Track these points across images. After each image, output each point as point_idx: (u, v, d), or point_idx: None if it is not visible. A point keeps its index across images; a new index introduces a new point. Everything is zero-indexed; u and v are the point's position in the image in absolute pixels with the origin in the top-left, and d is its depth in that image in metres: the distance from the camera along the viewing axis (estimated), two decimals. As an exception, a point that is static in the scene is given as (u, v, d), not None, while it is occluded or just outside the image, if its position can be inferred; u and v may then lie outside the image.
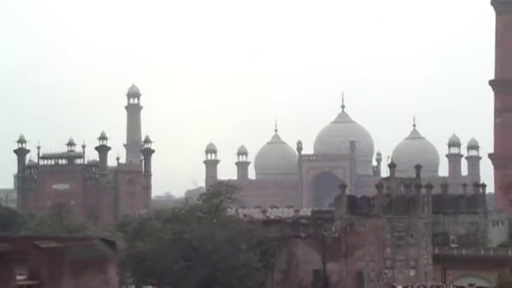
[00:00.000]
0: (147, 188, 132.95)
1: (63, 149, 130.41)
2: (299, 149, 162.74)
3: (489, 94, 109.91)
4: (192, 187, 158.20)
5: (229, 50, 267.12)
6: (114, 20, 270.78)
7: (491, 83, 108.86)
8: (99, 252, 28.22)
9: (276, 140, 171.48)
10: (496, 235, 74.54)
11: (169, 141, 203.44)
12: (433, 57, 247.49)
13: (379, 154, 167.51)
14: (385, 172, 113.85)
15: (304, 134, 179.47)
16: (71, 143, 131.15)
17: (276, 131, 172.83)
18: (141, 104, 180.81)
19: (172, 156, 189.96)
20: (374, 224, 61.53)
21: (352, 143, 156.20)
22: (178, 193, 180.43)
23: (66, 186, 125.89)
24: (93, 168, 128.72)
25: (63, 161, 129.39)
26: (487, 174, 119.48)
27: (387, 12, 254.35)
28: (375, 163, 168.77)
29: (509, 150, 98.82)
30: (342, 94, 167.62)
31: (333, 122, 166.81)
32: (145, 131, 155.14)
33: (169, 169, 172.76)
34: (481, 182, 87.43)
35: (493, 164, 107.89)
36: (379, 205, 62.42)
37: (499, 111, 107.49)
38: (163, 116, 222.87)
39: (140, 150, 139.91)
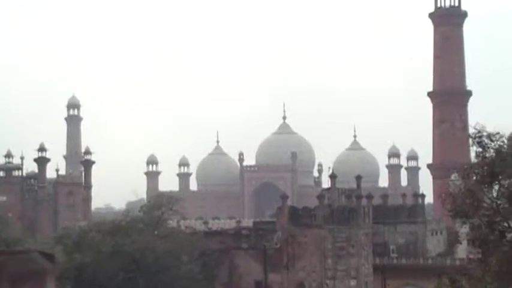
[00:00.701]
0: (87, 199, 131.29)
1: (1, 160, 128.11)
2: (241, 160, 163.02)
3: (428, 105, 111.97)
4: (133, 199, 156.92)
5: (171, 61, 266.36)
6: (53, 30, 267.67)
7: (429, 94, 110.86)
8: (38, 266, 27.78)
9: (218, 151, 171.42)
10: (434, 244, 75.71)
11: (110, 152, 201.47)
12: (372, 68, 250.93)
13: (320, 165, 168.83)
14: (326, 183, 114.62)
15: (246, 145, 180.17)
16: (8, 155, 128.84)
17: (217, 142, 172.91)
18: (81, 115, 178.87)
19: (113, 168, 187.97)
20: (315, 235, 61.97)
21: (294, 154, 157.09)
22: (119, 205, 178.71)
23: (4, 198, 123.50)
24: (32, 180, 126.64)
25: (1, 173, 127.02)
26: (426, 184, 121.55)
27: (328, 22, 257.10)
28: (316, 174, 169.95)
29: (447, 161, 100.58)
30: (284, 105, 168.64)
31: (275, 133, 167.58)
32: (85, 142, 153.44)
33: (109, 180, 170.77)
34: (420, 192, 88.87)
35: (432, 174, 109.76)
36: (321, 216, 62.92)
37: (437, 122, 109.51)
38: (103, 127, 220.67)
39: (80, 161, 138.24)
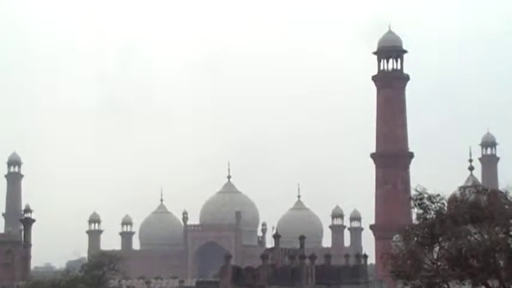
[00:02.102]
0: (26, 258, 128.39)
1: None
2: (185, 219, 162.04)
3: (371, 167, 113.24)
4: (73, 258, 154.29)
5: (112, 118, 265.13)
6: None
7: (372, 156, 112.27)
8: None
9: (162, 210, 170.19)
10: (377, 305, 76.02)
11: (51, 210, 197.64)
12: (315, 127, 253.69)
13: (264, 224, 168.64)
14: (270, 242, 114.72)
15: (190, 204, 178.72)
16: None
17: (161, 200, 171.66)
18: (22, 172, 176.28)
19: (53, 226, 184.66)
20: (259, 295, 61.61)
21: (238, 213, 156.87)
22: (60, 264, 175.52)
23: None
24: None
25: None
26: (369, 245, 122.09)
27: (269, 83, 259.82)
28: (260, 233, 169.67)
29: (389, 222, 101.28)
30: (228, 164, 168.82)
31: (219, 192, 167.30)
32: (25, 199, 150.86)
33: (50, 239, 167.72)
34: (363, 252, 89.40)
35: (374, 235, 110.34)
36: (264, 276, 62.76)
37: (380, 184, 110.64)
38: (45, 184, 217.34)
39: (20, 219, 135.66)
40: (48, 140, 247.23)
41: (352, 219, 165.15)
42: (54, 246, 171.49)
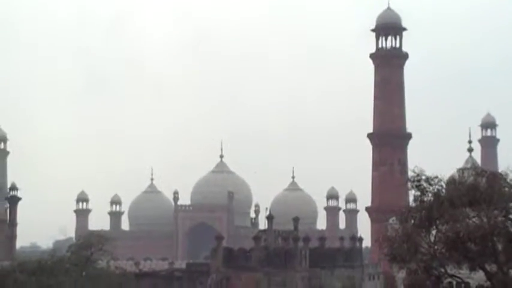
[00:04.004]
0: (12, 237, 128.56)
1: None
2: (175, 199, 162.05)
3: (368, 147, 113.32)
4: (61, 237, 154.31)
5: (100, 92, 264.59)
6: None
7: (369, 136, 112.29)
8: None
9: (152, 190, 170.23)
10: (372, 289, 76.40)
11: (37, 188, 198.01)
12: (312, 108, 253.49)
13: (257, 205, 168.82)
14: (263, 224, 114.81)
15: (181, 183, 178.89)
16: None
17: (151, 179, 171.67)
18: (8, 148, 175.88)
19: (40, 205, 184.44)
20: (250, 278, 61.93)
21: (230, 194, 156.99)
22: (46, 244, 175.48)
23: None
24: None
25: None
26: (364, 227, 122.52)
27: (267, 59, 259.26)
28: (253, 215, 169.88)
29: (385, 204, 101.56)
30: (221, 143, 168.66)
31: (211, 171, 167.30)
32: (11, 177, 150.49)
33: (36, 218, 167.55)
34: (358, 235, 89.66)
35: (370, 217, 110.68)
36: (257, 258, 63.01)
37: (376, 165, 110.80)
38: (31, 162, 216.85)
39: (5, 197, 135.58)
40: (35, 116, 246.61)
41: (347, 200, 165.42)
42: (41, 226, 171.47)
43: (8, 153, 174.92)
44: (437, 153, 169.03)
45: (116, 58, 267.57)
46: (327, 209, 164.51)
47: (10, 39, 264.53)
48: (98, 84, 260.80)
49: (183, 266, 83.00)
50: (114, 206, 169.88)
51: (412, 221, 35.69)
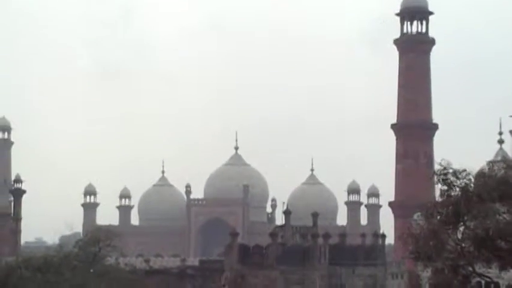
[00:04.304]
0: (16, 232, 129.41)
1: None
2: (188, 192, 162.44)
3: (391, 139, 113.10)
4: (67, 232, 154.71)
5: (110, 82, 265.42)
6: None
7: (393, 126, 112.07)
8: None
9: (163, 183, 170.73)
10: (395, 289, 76.38)
11: (43, 181, 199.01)
12: (333, 96, 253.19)
13: (274, 200, 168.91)
14: (280, 219, 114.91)
15: (193, 176, 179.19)
16: None
17: (163, 172, 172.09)
18: (12, 139, 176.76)
19: (46, 198, 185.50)
20: (267, 276, 62.05)
21: (246, 188, 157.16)
22: (52, 239, 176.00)
23: None
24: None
25: None
26: (387, 223, 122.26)
27: (284, 43, 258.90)
28: (269, 209, 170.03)
29: (410, 199, 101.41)
30: (236, 134, 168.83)
31: (225, 164, 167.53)
32: (15, 169, 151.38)
33: (42, 212, 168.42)
34: (381, 231, 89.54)
35: (393, 212, 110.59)
36: (273, 255, 63.09)
37: (400, 157, 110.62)
38: (37, 153, 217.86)
39: (9, 190, 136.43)
40: (40, 105, 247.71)
41: (369, 195, 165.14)
42: (46, 220, 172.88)
43: (12, 143, 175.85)
44: (465, 145, 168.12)
45: (127, 45, 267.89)
46: (348, 203, 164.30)
47: (18, 26, 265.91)
48: (108, 72, 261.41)
49: (196, 263, 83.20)
50: (123, 199, 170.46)
51: (438, 217, 35.60)
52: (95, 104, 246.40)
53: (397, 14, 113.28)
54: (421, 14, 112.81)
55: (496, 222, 33.38)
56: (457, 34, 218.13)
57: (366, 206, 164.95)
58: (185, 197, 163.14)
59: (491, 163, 37.83)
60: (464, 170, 35.85)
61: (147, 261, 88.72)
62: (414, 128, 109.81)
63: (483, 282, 37.41)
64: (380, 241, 79.08)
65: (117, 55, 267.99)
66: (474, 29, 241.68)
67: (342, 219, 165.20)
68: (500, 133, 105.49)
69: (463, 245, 34.98)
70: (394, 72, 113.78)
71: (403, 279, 78.13)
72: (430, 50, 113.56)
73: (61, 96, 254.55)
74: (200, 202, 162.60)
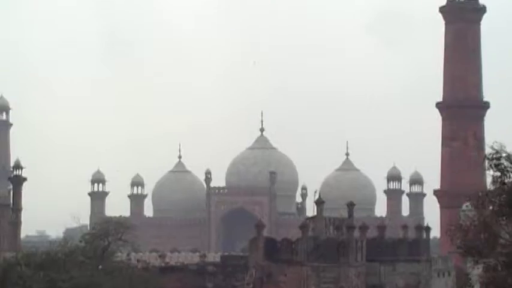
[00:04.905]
0: (16, 225, 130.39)
1: None
2: (207, 180, 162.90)
3: (437, 119, 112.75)
4: (72, 225, 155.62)
5: (119, 56, 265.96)
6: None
7: (438, 105, 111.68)
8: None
9: (180, 169, 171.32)
10: (441, 288, 76.32)
11: (45, 167, 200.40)
12: (370, 72, 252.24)
13: (304, 188, 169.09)
14: (311, 210, 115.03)
15: (214, 162, 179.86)
16: None
17: (179, 157, 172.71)
18: (11, 120, 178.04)
19: (49, 186, 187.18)
20: (296, 273, 62.15)
21: (272, 174, 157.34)
22: (56, 232, 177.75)
23: None
24: None
25: None
26: (432, 214, 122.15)
27: (317, 15, 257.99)
28: (299, 199, 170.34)
29: (458, 186, 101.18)
30: (261, 114, 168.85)
31: (250, 148, 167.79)
32: (15, 153, 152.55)
33: (44, 202, 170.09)
34: (425, 224, 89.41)
35: (439, 202, 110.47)
36: (303, 250, 63.13)
37: (446, 140, 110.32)
38: (38, 135, 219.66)
39: (8, 177, 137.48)
40: (43, 83, 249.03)
41: (412, 182, 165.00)
42: (49, 211, 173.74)
43: (11, 125, 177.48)
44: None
45: (139, 17, 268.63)
46: (388, 192, 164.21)
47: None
48: (118, 46, 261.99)
49: (217, 259, 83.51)
50: (135, 188, 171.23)
51: (491, 207, 35.43)
52: (104, 80, 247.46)
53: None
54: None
55: (556, 213, 33.21)
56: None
57: (407, 194, 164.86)
58: (205, 184, 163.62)
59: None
60: (520, 154, 35.63)
61: (162, 256, 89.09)
62: (462, 106, 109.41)
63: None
64: (424, 234, 78.94)
65: (130, 27, 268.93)
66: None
67: (380, 209, 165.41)
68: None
69: (519, 238, 34.86)
70: (439, 45, 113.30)
71: (450, 277, 78.02)
72: (480, 19, 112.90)
73: (66, 71, 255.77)
74: (221, 191, 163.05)
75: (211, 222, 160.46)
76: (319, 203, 72.24)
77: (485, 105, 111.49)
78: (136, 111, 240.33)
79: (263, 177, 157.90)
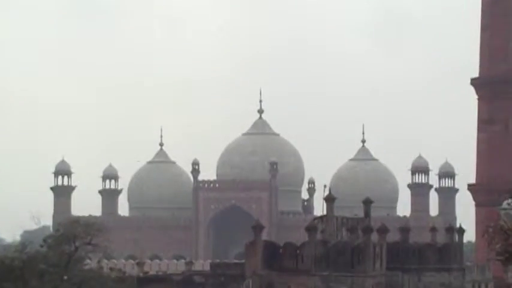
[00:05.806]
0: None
1: None
2: (195, 172, 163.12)
3: (471, 99, 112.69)
4: (32, 226, 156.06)
5: (94, 21, 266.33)
6: None
7: (473, 82, 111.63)
8: None
9: (161, 159, 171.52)
10: (477, 302, 76.60)
11: (1, 158, 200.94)
12: (386, 40, 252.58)
13: (312, 182, 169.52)
14: (320, 209, 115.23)
15: (203, 151, 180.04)
16: None
17: (161, 145, 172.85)
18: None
19: (4, 181, 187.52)
20: (302, 284, 62.28)
21: (273, 165, 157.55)
22: (12, 235, 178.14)
23: None
24: None
25: None
26: (466, 214, 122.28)
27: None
28: (305, 195, 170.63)
29: (497, 180, 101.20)
30: (260, 93, 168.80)
31: (246, 133, 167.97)
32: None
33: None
34: (458, 225, 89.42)
35: (474, 199, 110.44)
36: (311, 257, 63.27)
37: (483, 124, 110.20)
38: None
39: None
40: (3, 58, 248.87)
41: (441, 175, 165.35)
42: (4, 211, 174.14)
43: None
44: None
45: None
46: (412, 187, 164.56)
47: None
48: (89, 7, 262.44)
49: (206, 267, 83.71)
50: (107, 181, 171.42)
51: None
52: (71, 50, 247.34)
53: None
54: None
55: None
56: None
57: (436, 190, 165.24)
58: (191, 177, 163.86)
59: None
60: None
61: (140, 264, 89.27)
62: (503, 83, 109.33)
63: None
64: (456, 238, 79.08)
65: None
66: None
67: (404, 208, 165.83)
68: None
69: None
70: (475, 10, 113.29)
71: (487, 288, 78.26)
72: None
73: (27, 46, 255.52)
74: (212, 185, 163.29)
75: (199, 223, 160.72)
76: (329, 199, 72.28)
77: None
78: (110, 90, 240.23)
79: (262, 169, 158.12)
